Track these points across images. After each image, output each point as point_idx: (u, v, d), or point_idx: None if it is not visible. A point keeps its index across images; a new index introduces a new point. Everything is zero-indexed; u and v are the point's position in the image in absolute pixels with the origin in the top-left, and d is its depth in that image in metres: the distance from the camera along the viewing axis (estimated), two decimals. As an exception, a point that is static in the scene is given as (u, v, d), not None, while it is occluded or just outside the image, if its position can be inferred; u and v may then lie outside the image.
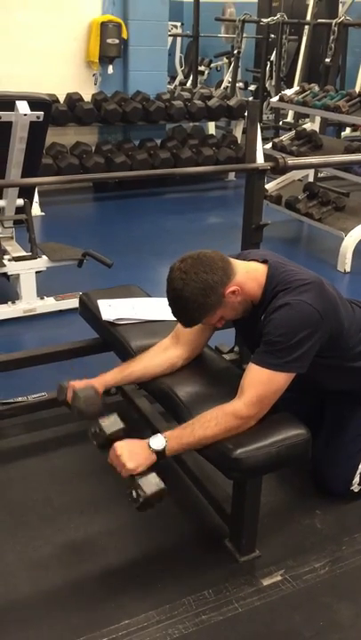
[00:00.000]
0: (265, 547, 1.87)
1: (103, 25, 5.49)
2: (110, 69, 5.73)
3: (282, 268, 1.82)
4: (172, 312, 1.80)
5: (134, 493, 1.61)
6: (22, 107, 3.07)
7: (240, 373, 1.79)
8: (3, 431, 2.36)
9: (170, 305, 1.78)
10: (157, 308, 2.33)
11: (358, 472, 2.04)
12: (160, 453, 1.65)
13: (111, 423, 1.76)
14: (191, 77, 8.68)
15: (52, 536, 1.92)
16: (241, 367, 2.31)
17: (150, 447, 1.65)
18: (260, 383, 1.69)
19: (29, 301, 3.35)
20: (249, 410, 1.68)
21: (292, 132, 5.21)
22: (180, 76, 9.41)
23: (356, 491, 2.07)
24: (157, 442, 1.66)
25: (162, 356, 1.97)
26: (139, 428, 2.10)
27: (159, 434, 1.69)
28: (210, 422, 1.66)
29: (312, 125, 5.38)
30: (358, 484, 2.06)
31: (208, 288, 1.70)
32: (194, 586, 1.75)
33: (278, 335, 1.69)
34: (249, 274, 1.80)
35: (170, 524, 1.98)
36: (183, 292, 1.70)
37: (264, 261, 1.84)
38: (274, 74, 7.77)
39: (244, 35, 7.79)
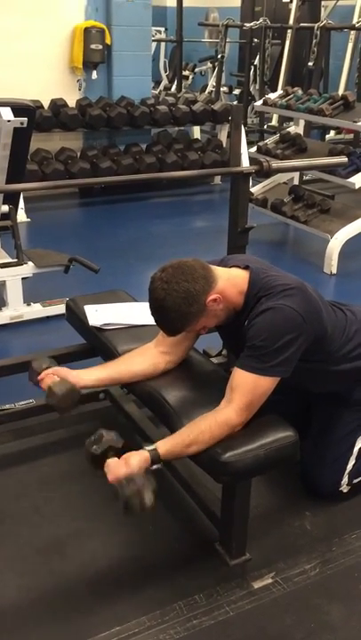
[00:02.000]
0: (255, 549, 1.86)
1: (86, 31, 5.49)
2: (94, 75, 5.74)
3: (264, 273, 1.82)
4: (155, 322, 1.80)
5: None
6: (6, 113, 3.05)
7: (228, 377, 1.79)
8: (-10, 439, 2.35)
9: (152, 315, 1.78)
10: (144, 313, 2.32)
11: (346, 473, 2.05)
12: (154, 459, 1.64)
13: (114, 438, 1.70)
14: (176, 82, 8.70)
15: (40, 543, 1.91)
16: (229, 371, 2.31)
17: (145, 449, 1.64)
18: (247, 388, 1.69)
19: (16, 308, 3.34)
20: (240, 417, 1.69)
21: (277, 136, 5.23)
22: (164, 81, 9.42)
23: (344, 491, 2.08)
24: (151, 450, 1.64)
25: (144, 355, 1.97)
26: (128, 433, 2.09)
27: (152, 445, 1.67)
28: (204, 435, 1.65)
29: (296, 129, 5.41)
30: (347, 485, 2.07)
31: (190, 297, 1.70)
32: (184, 590, 1.75)
33: (262, 340, 1.70)
34: (230, 281, 1.80)
35: (160, 529, 1.98)
36: (165, 301, 1.70)
37: (246, 267, 1.84)
38: (258, 78, 7.81)
39: (228, 39, 7.83)
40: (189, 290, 1.70)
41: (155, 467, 1.64)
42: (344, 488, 2.07)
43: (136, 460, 1.61)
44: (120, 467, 1.59)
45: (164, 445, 1.67)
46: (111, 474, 1.59)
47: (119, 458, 1.63)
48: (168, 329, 1.81)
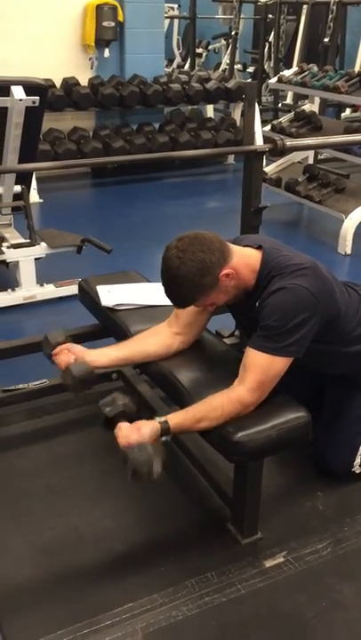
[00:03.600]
0: (267, 529, 1.88)
1: (99, 8, 5.42)
2: (107, 53, 5.68)
3: (276, 253, 1.80)
4: (166, 291, 1.76)
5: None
6: (18, 92, 3.03)
7: (240, 357, 1.78)
8: (4, 418, 2.37)
9: (164, 284, 1.75)
10: (157, 294, 2.32)
11: (359, 454, 2.04)
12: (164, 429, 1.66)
13: (128, 403, 1.73)
14: (189, 60, 8.60)
15: (55, 522, 1.93)
16: (241, 351, 2.30)
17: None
18: (260, 368, 1.69)
19: (29, 288, 3.34)
20: (252, 396, 1.69)
21: (292, 114, 5.16)
22: (177, 59, 9.30)
23: (357, 472, 2.07)
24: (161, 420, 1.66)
25: (157, 336, 1.97)
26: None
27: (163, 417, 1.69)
28: (216, 412, 1.66)
29: (311, 106, 5.33)
30: (359, 466, 2.06)
31: (205, 268, 1.68)
32: (197, 568, 1.77)
33: (275, 320, 1.69)
34: (243, 259, 1.78)
35: (172, 508, 1.99)
36: (179, 270, 1.68)
37: (258, 247, 1.82)
38: (272, 55, 7.69)
39: (242, 16, 7.69)
40: (205, 260, 1.68)
41: (164, 438, 1.65)
42: (357, 469, 2.07)
43: (148, 428, 1.63)
44: (132, 432, 1.62)
45: (175, 418, 1.68)
46: (123, 438, 1.63)
47: (130, 423, 1.66)
48: (178, 299, 1.78)
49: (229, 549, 1.83)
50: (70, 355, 1.89)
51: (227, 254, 1.73)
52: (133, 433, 1.62)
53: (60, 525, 1.92)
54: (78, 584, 1.74)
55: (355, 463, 2.05)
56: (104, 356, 1.93)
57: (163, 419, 1.67)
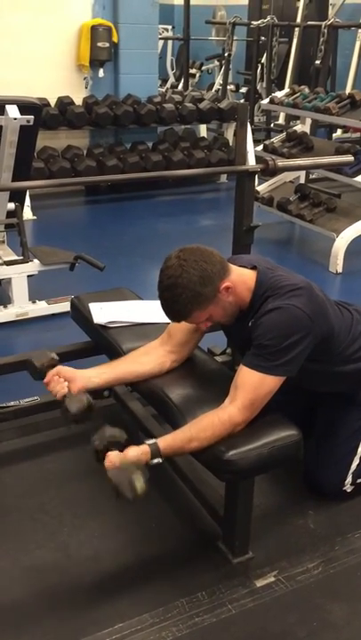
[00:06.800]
0: (258, 548, 1.87)
1: (93, 28, 5.50)
2: (101, 73, 5.74)
3: (271, 273, 1.82)
4: (163, 302, 1.74)
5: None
6: (12, 111, 3.06)
7: (232, 375, 1.79)
8: (-5, 436, 2.36)
9: (161, 295, 1.74)
10: (149, 311, 2.34)
11: (350, 472, 2.05)
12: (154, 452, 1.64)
13: (117, 434, 1.70)
14: (182, 80, 8.70)
15: (45, 540, 1.92)
16: (233, 369, 2.31)
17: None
18: (251, 386, 1.69)
19: (21, 305, 3.34)
20: (242, 415, 1.69)
21: (283, 134, 5.22)
22: (171, 79, 9.42)
23: (348, 491, 2.07)
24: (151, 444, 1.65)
25: (150, 354, 1.97)
26: (132, 430, 2.10)
27: (153, 439, 1.68)
28: (206, 432, 1.66)
29: (303, 127, 5.39)
30: (350, 484, 2.06)
31: (206, 277, 1.69)
32: (187, 588, 1.75)
33: (269, 339, 1.70)
34: (240, 277, 1.80)
35: (162, 527, 1.98)
36: (180, 279, 1.68)
37: (253, 267, 1.84)
38: (265, 76, 7.79)
39: (235, 37, 7.82)
40: (206, 270, 1.69)
41: (155, 461, 1.64)
42: (348, 488, 2.07)
43: (135, 452, 1.62)
44: (118, 457, 1.61)
45: (165, 440, 1.68)
46: (109, 462, 1.62)
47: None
48: (176, 311, 1.76)
49: (220, 569, 1.82)
50: (63, 382, 1.84)
51: (226, 268, 1.76)
52: (119, 457, 1.61)
53: (50, 544, 1.90)
54: (67, 603, 1.72)
55: (346, 482, 2.05)
56: (97, 375, 1.92)
57: (152, 441, 1.66)
